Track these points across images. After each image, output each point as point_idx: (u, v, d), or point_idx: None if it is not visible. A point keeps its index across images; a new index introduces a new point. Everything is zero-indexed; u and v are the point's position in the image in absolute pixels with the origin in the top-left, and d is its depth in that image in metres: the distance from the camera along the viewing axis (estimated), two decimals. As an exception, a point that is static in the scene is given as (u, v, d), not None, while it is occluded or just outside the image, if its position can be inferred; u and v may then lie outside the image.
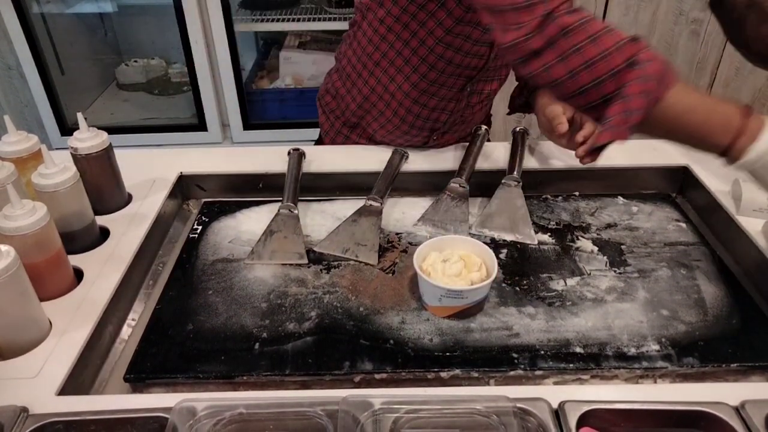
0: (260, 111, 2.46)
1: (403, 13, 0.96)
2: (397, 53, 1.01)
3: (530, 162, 1.08)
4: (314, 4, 2.44)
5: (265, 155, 1.12)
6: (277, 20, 2.33)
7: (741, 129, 0.66)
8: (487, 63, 1.02)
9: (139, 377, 0.73)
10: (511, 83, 1.15)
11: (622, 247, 0.94)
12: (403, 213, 1.03)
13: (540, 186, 1.08)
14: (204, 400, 0.63)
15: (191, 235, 0.98)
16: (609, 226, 0.99)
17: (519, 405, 0.62)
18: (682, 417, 0.64)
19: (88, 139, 0.91)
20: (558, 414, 0.62)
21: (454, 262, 0.81)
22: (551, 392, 0.65)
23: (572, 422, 0.61)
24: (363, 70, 1.08)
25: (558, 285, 0.86)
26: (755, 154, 0.65)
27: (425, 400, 0.63)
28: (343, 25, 2.26)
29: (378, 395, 0.63)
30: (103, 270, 0.84)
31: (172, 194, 1.04)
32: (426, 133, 1.12)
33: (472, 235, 0.94)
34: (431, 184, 1.06)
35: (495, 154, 1.12)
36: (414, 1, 0.93)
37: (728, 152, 0.67)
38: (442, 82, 1.03)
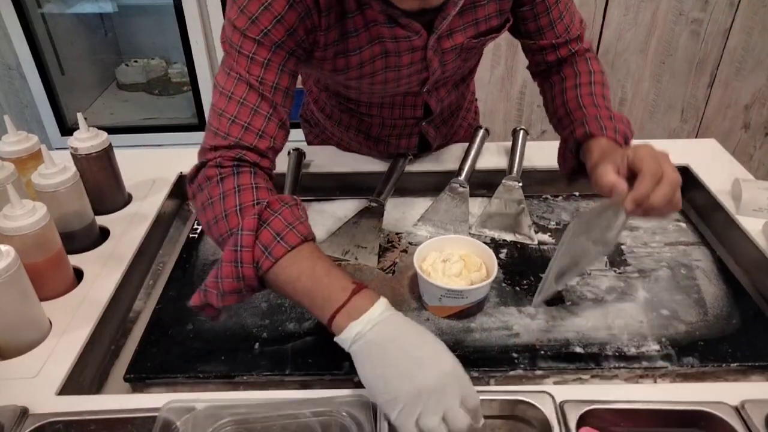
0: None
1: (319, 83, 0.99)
2: (337, 110, 1.03)
3: (530, 162, 1.08)
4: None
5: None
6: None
7: (343, 305, 0.61)
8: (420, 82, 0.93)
9: (139, 377, 0.73)
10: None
11: (622, 246, 0.94)
12: (403, 213, 1.03)
13: (540, 186, 1.08)
14: (193, 400, 0.63)
15: (191, 235, 0.98)
16: (609, 226, 0.99)
17: (524, 399, 0.63)
18: (682, 417, 0.64)
19: (88, 139, 0.91)
20: (558, 413, 0.62)
21: (455, 262, 0.81)
22: (551, 393, 0.65)
23: (572, 422, 0.61)
24: (326, 120, 1.10)
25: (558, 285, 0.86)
26: (348, 333, 0.60)
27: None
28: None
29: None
30: (103, 270, 0.84)
31: (172, 194, 1.04)
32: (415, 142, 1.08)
33: (472, 235, 0.94)
34: (431, 183, 1.06)
35: (495, 154, 1.12)
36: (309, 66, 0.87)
37: (330, 326, 0.63)
38: (392, 106, 0.98)
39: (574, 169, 0.89)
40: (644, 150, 0.71)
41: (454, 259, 0.82)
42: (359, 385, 0.73)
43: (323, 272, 0.64)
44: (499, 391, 0.67)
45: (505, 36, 0.94)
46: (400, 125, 1.03)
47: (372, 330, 0.60)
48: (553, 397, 0.64)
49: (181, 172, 1.08)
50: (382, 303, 0.62)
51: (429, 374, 0.57)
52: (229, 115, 0.73)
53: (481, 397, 0.59)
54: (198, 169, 0.74)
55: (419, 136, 1.07)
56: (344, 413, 0.61)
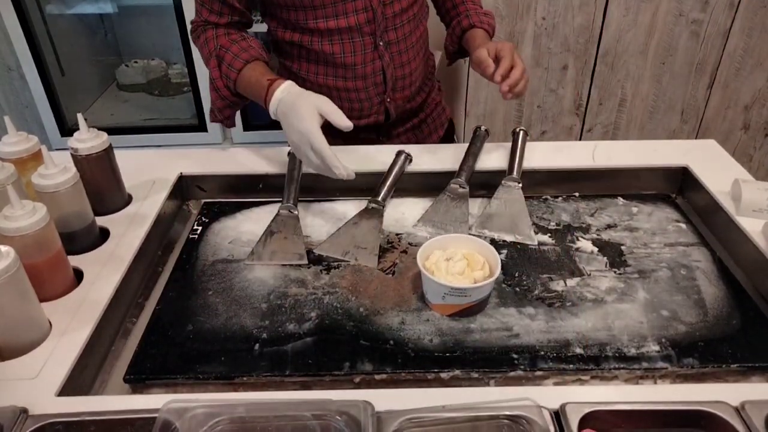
0: (260, 112, 2.44)
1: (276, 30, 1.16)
2: (297, 59, 1.16)
3: (530, 162, 1.08)
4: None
5: (265, 156, 1.12)
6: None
7: (267, 93, 0.97)
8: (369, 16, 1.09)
9: (139, 378, 0.73)
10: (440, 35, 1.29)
11: (622, 247, 0.94)
12: (403, 213, 1.03)
13: (540, 186, 1.08)
14: (192, 401, 0.63)
15: (191, 236, 0.98)
16: (609, 226, 0.99)
17: (516, 412, 0.62)
18: (683, 417, 0.64)
19: (88, 139, 0.91)
20: (559, 416, 0.62)
21: (458, 261, 0.81)
22: (552, 394, 0.65)
23: (574, 424, 0.61)
24: (294, 77, 1.18)
25: (558, 286, 0.86)
26: (269, 109, 0.97)
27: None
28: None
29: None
30: (103, 271, 0.84)
31: (172, 195, 1.04)
32: (380, 98, 1.17)
33: (472, 236, 0.94)
34: (431, 184, 1.06)
35: (495, 154, 1.12)
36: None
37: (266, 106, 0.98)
38: (351, 52, 1.11)
39: (455, 53, 1.25)
40: (506, 45, 1.04)
41: (458, 257, 0.82)
42: (360, 386, 0.73)
43: (256, 79, 1.01)
44: (492, 407, 0.63)
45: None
46: (360, 49, 1.11)
47: (279, 106, 0.95)
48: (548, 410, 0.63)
49: (181, 173, 1.08)
50: (278, 94, 0.96)
51: (291, 134, 0.93)
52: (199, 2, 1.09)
53: (479, 400, 0.59)
54: (191, 33, 1.14)
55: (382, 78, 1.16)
56: (339, 417, 0.61)
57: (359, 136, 1.22)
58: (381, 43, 1.11)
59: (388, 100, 1.17)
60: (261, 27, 2.39)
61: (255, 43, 1.07)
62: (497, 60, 1.03)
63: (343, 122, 0.90)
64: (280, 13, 1.10)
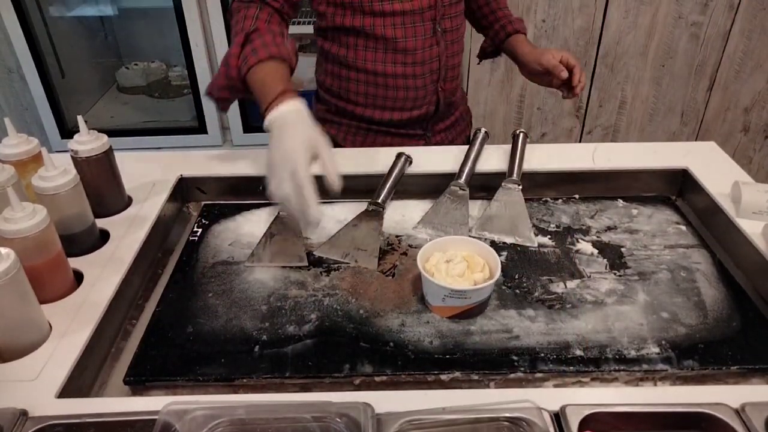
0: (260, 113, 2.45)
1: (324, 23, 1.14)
2: (354, 49, 1.14)
3: (530, 164, 1.08)
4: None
5: (265, 158, 1.12)
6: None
7: (270, 104, 0.89)
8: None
9: (138, 380, 0.73)
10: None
11: (622, 249, 0.94)
12: (403, 215, 1.03)
13: (540, 188, 1.08)
14: (192, 402, 0.63)
15: (191, 238, 0.98)
16: (609, 228, 0.99)
17: (517, 414, 0.62)
18: (683, 419, 0.64)
19: (88, 141, 0.91)
20: (559, 418, 0.62)
21: (458, 263, 0.81)
22: (552, 396, 0.65)
23: (574, 426, 0.61)
24: (347, 68, 1.17)
25: (558, 287, 0.86)
26: (265, 122, 0.89)
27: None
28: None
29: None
30: (103, 273, 0.84)
31: (172, 197, 1.04)
32: (432, 88, 1.19)
33: (472, 238, 0.94)
34: (431, 186, 1.06)
35: (495, 156, 1.12)
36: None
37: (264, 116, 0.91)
38: (412, 36, 1.12)
39: (490, 53, 1.33)
40: (566, 52, 1.16)
41: (458, 259, 0.82)
42: (360, 387, 0.73)
43: (270, 81, 0.93)
44: (493, 409, 0.64)
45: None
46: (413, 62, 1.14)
47: (270, 125, 0.88)
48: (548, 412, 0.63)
49: (181, 175, 1.08)
50: (284, 108, 0.88)
51: (275, 152, 0.84)
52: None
53: (479, 402, 0.59)
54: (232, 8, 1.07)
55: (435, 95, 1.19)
56: (339, 419, 0.61)
57: (408, 129, 1.23)
58: (439, 29, 1.13)
59: (440, 89, 1.20)
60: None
61: (291, 46, 1.00)
62: (567, 66, 1.15)
63: (333, 176, 0.85)
64: None
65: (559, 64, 1.14)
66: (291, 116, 0.87)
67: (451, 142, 1.30)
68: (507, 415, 0.62)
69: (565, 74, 1.13)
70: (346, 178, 1.08)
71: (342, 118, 1.24)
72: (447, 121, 1.29)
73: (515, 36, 1.25)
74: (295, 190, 0.81)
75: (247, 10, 1.03)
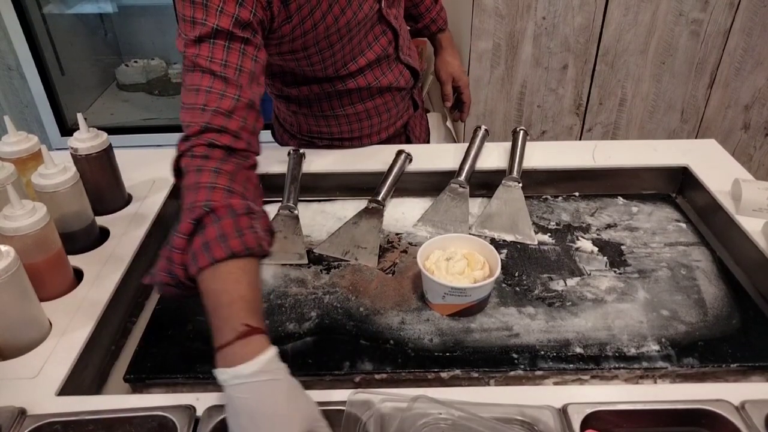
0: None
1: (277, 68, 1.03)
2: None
3: (530, 162, 1.08)
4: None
5: (264, 155, 1.11)
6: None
7: (224, 345, 0.60)
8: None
9: (139, 377, 0.73)
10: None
11: (622, 247, 0.94)
12: (403, 213, 1.03)
13: (540, 186, 1.08)
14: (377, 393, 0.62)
15: (191, 236, 0.98)
16: (609, 226, 0.99)
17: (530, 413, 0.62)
18: (684, 416, 0.64)
19: (88, 139, 0.91)
20: (561, 416, 0.62)
21: (458, 260, 0.81)
22: (553, 394, 0.65)
23: (576, 425, 0.61)
24: (315, 117, 1.11)
25: (558, 285, 0.86)
26: (219, 375, 0.59)
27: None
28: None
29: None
30: (103, 270, 0.84)
31: (172, 194, 1.04)
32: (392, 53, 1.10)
33: (472, 236, 0.94)
34: (431, 184, 1.06)
35: (495, 154, 1.11)
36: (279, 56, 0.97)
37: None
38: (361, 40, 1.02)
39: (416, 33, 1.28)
40: (464, 80, 1.27)
41: (458, 257, 0.82)
42: (360, 385, 0.73)
43: (228, 301, 0.61)
44: (501, 405, 0.63)
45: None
46: (379, 56, 1.05)
47: (234, 387, 0.58)
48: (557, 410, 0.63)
49: (181, 173, 1.07)
50: (257, 363, 0.57)
51: (257, 422, 0.56)
52: (199, 105, 0.73)
53: (482, 402, 0.59)
54: (176, 161, 0.73)
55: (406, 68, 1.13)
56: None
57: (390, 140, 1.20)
58: (401, 55, 1.09)
59: (415, 93, 1.19)
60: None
61: (261, 221, 0.68)
62: (456, 87, 1.26)
63: None
64: (312, 73, 1.01)
65: (450, 94, 1.25)
66: (268, 384, 0.58)
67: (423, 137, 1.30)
68: (519, 417, 0.62)
69: (449, 104, 1.26)
70: (346, 176, 1.09)
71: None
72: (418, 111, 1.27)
73: (438, 36, 1.28)
74: None
75: (194, 173, 0.70)
